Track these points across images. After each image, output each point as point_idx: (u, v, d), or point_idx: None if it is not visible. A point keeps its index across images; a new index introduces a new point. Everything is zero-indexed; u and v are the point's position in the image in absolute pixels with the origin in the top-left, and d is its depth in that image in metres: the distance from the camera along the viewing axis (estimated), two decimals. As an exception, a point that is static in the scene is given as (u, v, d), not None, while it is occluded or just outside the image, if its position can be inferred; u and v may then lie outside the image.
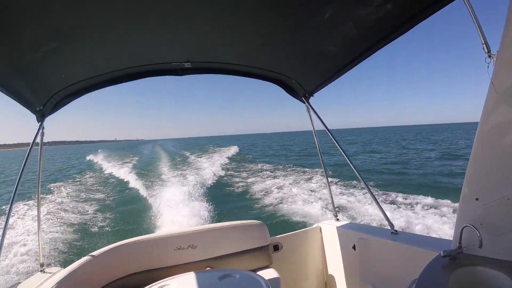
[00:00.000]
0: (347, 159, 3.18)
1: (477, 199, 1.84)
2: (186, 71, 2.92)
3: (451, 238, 2.06)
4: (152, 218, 11.13)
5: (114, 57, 2.54)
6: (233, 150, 42.50)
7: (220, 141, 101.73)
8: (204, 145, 71.98)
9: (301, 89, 3.36)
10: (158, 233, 3.02)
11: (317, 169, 20.91)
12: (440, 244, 2.44)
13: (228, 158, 32.33)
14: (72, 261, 2.65)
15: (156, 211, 11.82)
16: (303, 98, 3.45)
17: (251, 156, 37.78)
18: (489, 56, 1.58)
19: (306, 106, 3.50)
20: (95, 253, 2.72)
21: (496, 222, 1.81)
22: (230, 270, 2.38)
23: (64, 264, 2.88)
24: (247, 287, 2.11)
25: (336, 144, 3.24)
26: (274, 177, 19.73)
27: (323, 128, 3.43)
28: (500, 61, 1.53)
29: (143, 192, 16.09)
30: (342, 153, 3.21)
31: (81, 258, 2.67)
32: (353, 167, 3.18)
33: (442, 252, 1.90)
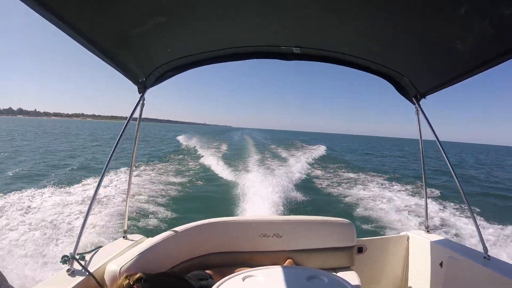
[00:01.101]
0: (452, 172, 2.94)
1: None
2: (295, 56, 2.83)
3: None
4: (239, 202, 11.23)
5: (221, 35, 2.50)
6: (321, 149, 41.46)
7: (306, 138, 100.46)
8: (290, 139, 71.52)
9: (412, 88, 3.08)
10: (244, 216, 3.05)
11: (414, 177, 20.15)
12: None
13: (316, 156, 31.68)
14: (155, 233, 2.78)
15: (243, 196, 11.90)
16: (413, 98, 3.18)
17: (341, 157, 36.92)
18: None
19: (415, 108, 3.24)
20: (178, 228, 2.80)
21: None
22: (318, 272, 2.26)
23: (147, 234, 3.01)
24: None
25: (444, 155, 3.02)
26: (367, 181, 19.18)
27: (430, 135, 3.16)
28: None
29: (230, 177, 16.39)
30: (449, 165, 2.98)
31: (164, 231, 2.77)
32: (456, 181, 2.94)
33: None
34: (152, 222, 8.80)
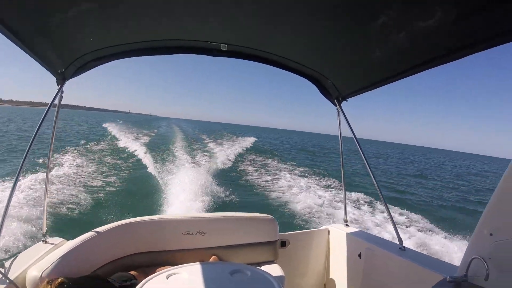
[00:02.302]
0: (368, 168, 3.19)
1: (491, 234, 1.92)
2: (222, 53, 2.82)
3: (457, 264, 2.14)
4: (162, 199, 11.06)
5: (147, 26, 2.43)
6: (249, 141, 41.60)
7: (234, 130, 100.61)
8: (218, 131, 71.29)
9: (335, 91, 3.28)
10: (167, 215, 3.01)
11: (334, 173, 21.05)
12: (446, 268, 2.53)
13: (244, 148, 31.93)
14: (75, 234, 2.63)
15: (167, 192, 11.74)
16: (335, 100, 3.39)
17: (268, 150, 37.38)
18: None
19: (337, 109, 3.45)
20: (100, 229, 2.70)
21: (506, 259, 1.89)
22: (242, 266, 2.31)
23: (67, 236, 2.86)
24: (258, 286, 2.06)
25: (361, 153, 3.26)
26: (290, 175, 19.73)
27: (349, 134, 3.37)
28: None
29: (155, 172, 15.88)
30: (365, 161, 3.22)
31: (85, 232, 2.66)
32: (372, 177, 3.19)
33: (448, 277, 2.01)
34: (73, 223, 8.38)
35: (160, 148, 26.39)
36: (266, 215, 3.35)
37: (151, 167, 17.01)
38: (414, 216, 12.54)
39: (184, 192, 11.17)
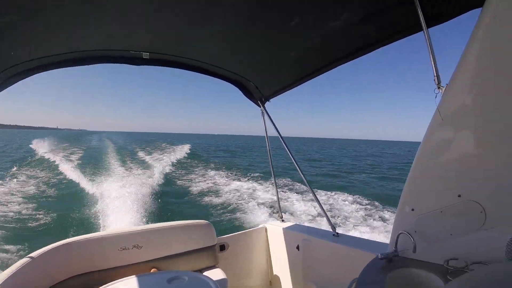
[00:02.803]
0: (296, 165, 3.31)
1: (413, 209, 2.10)
2: (144, 62, 2.78)
3: (388, 242, 2.29)
4: (96, 216, 10.66)
5: (69, 37, 2.33)
6: (185, 149, 41.50)
7: (170, 139, 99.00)
8: (154, 141, 70.20)
9: (258, 92, 3.40)
10: (101, 232, 2.86)
11: (266, 172, 21.56)
12: (378, 247, 2.69)
13: (179, 157, 31.74)
14: (6, 265, 2.45)
15: (101, 209, 11.32)
16: (259, 102, 3.50)
17: (203, 156, 37.46)
18: (438, 88, 1.79)
19: (261, 110, 3.57)
20: (34, 254, 2.52)
21: (429, 230, 2.07)
22: (178, 272, 2.34)
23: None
24: None
25: (287, 149, 3.36)
26: (224, 179, 19.97)
27: (275, 133, 3.48)
28: (448, 93, 1.75)
29: (88, 188, 15.22)
30: (292, 158, 3.35)
31: (18, 260, 2.46)
32: (300, 173, 3.33)
33: (379, 254, 2.13)
34: (2, 253, 7.70)
35: (91, 163, 25.22)
36: (202, 221, 3.34)
37: (84, 184, 16.26)
38: (347, 203, 13.35)
39: (120, 206, 10.85)
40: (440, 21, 1.86)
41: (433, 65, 1.83)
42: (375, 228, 9.75)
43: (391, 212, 11.52)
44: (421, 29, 1.85)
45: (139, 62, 2.77)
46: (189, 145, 50.22)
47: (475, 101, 1.68)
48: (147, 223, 9.36)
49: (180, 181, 19.08)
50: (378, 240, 3.36)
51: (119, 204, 11.10)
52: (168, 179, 19.40)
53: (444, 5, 1.80)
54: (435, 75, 1.81)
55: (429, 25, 1.84)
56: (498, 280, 1.56)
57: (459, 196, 1.91)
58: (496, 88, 1.62)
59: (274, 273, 3.75)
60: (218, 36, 2.40)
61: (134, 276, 2.29)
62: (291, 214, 11.18)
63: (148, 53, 2.68)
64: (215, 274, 3.06)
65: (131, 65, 2.80)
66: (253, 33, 2.29)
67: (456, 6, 1.76)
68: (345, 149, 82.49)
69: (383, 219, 10.80)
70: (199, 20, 2.10)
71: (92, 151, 37.41)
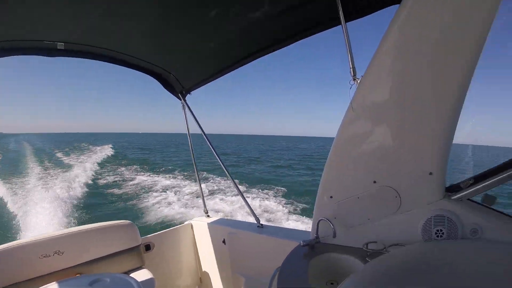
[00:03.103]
0: (218, 159, 3.33)
1: (331, 197, 2.19)
2: (59, 53, 2.62)
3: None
4: (15, 224, 9.86)
5: None
6: (106, 149, 40.07)
7: (92, 138, 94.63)
8: (74, 142, 67.00)
9: (178, 85, 3.33)
10: (19, 241, 2.66)
11: (190, 169, 21.51)
12: (301, 235, 2.80)
13: (101, 158, 30.67)
14: None
15: (20, 216, 10.53)
16: (179, 94, 3.43)
17: (125, 156, 36.61)
18: (354, 80, 1.87)
19: (182, 103, 3.50)
20: None
21: (348, 216, 2.17)
22: (100, 275, 2.28)
23: None
24: None
25: (209, 144, 3.36)
26: (147, 177, 19.81)
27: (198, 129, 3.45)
28: (362, 86, 1.83)
29: (5, 196, 14.01)
30: (214, 153, 3.36)
31: None
32: (223, 167, 3.34)
33: (301, 242, 2.20)
34: None
35: (8, 169, 23.41)
36: (124, 221, 3.22)
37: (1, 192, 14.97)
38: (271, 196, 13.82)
39: (40, 211, 10.36)
40: (359, 15, 1.93)
41: (350, 58, 1.89)
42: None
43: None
44: (340, 23, 1.91)
45: (54, 53, 2.59)
46: (110, 144, 48.31)
47: (385, 94, 1.78)
48: (68, 226, 8.86)
49: (102, 182, 18.51)
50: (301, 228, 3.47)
51: (39, 209, 10.58)
52: (89, 180, 18.66)
53: (363, 0, 1.87)
54: (351, 67, 1.89)
55: (347, 19, 1.91)
56: (413, 259, 1.70)
57: (375, 182, 2.03)
58: (405, 83, 1.72)
59: (203, 269, 3.74)
60: (137, 27, 2.32)
61: (54, 282, 2.20)
62: (217, 209, 11.22)
63: (63, 43, 2.52)
64: (142, 275, 2.98)
65: (47, 57, 2.66)
66: (173, 24, 2.24)
67: (375, 1, 1.85)
68: (263, 145, 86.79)
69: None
70: (117, 9, 2.02)
71: (8, 157, 34.67)
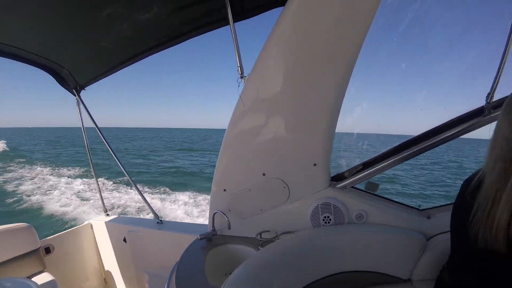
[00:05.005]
0: (114, 156, 3.28)
1: (224, 190, 2.26)
2: None
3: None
4: None
5: None
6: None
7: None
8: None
9: (72, 80, 3.17)
10: None
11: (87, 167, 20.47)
12: (200, 228, 2.84)
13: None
14: None
15: None
16: (74, 90, 3.28)
17: (18, 152, 33.55)
18: (241, 77, 1.93)
19: (76, 99, 3.34)
20: None
21: (241, 208, 2.27)
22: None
23: None
24: None
25: (104, 141, 3.28)
26: (45, 175, 18.38)
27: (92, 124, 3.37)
28: (249, 82, 1.89)
29: None
30: (110, 150, 3.29)
31: None
32: (119, 164, 3.30)
33: (199, 235, 2.26)
34: None
35: None
36: (21, 224, 3.01)
37: None
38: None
39: None
40: (247, 16, 2.01)
41: (237, 57, 1.97)
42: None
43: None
44: (228, 23, 1.98)
45: None
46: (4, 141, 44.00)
47: (271, 90, 1.87)
48: None
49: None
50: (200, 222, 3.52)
51: None
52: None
53: (251, 2, 1.94)
54: (239, 65, 1.95)
55: (236, 20, 1.98)
56: (300, 243, 1.84)
57: (264, 174, 2.14)
58: (288, 81, 1.82)
59: (106, 269, 3.64)
60: (28, 19, 2.15)
61: None
62: (117, 207, 10.87)
63: None
64: (43, 278, 2.82)
65: None
66: (66, 18, 2.12)
67: (262, 3, 1.93)
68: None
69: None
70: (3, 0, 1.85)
71: None
